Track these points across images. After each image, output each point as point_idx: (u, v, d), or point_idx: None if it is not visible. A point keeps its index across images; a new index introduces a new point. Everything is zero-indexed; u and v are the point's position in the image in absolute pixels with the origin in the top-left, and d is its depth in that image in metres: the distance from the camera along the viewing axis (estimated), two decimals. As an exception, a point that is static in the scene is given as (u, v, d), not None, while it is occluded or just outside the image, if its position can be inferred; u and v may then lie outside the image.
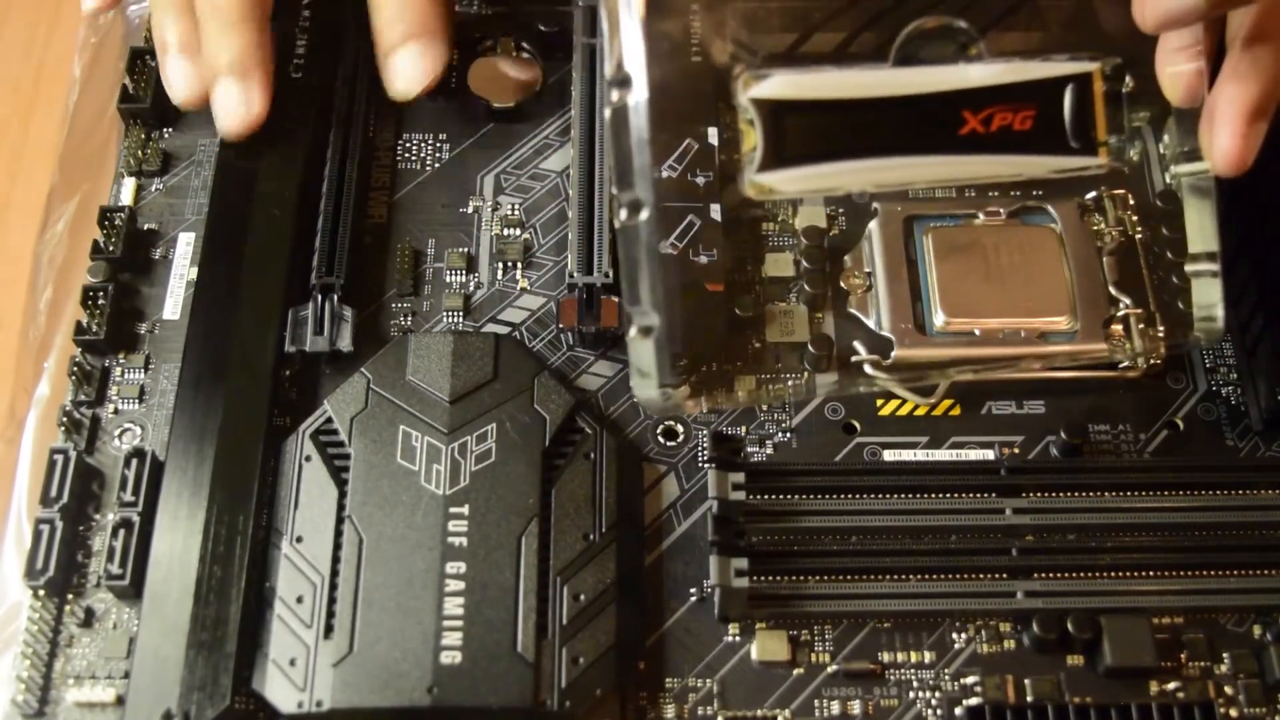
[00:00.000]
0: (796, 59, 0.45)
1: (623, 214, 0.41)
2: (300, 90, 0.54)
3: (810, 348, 0.50)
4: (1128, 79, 0.46)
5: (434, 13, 0.52)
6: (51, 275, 0.53)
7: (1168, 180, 0.52)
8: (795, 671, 0.45)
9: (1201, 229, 0.47)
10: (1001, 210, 0.52)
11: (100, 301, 0.50)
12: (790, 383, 0.50)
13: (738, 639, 0.45)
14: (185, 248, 0.53)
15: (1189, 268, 0.47)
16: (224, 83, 0.50)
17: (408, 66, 0.51)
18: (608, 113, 0.40)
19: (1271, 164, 0.45)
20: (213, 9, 0.50)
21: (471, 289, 0.53)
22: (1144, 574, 0.46)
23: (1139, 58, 0.45)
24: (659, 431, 0.49)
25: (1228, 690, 0.45)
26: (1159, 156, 0.52)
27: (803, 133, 0.43)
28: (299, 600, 0.44)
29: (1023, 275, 0.50)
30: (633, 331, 0.43)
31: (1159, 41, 0.44)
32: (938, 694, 0.45)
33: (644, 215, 0.40)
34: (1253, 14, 0.43)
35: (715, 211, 0.52)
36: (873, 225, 0.52)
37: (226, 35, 0.50)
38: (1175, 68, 0.44)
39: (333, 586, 0.44)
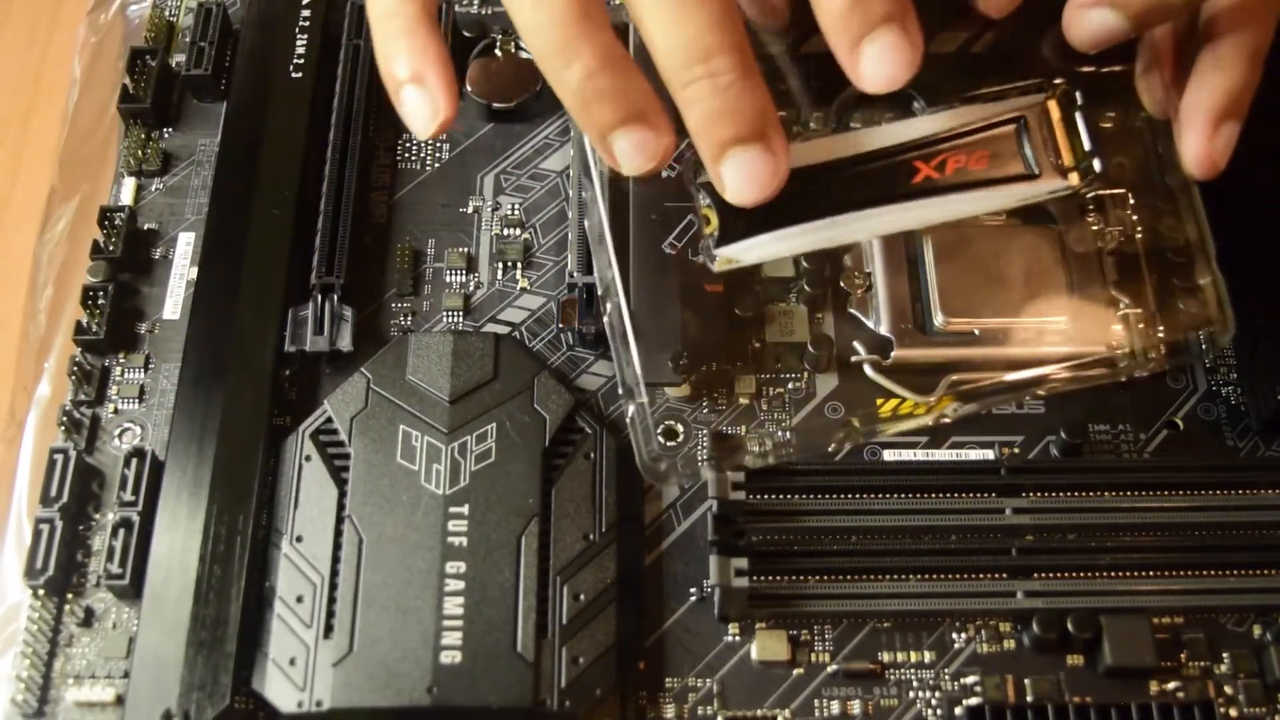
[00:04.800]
0: None
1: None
2: (300, 90, 0.54)
3: (810, 348, 0.50)
4: (1077, 96, 0.46)
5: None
6: (51, 275, 0.54)
7: (1167, 180, 0.52)
8: (795, 671, 0.45)
9: (1197, 230, 0.47)
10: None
11: (100, 301, 0.50)
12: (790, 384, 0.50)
13: (738, 639, 0.45)
14: (185, 247, 0.53)
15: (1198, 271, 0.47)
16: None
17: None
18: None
19: (1268, 160, 0.45)
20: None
21: (471, 289, 0.53)
22: (1144, 574, 0.46)
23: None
24: (659, 431, 0.49)
25: (1228, 690, 0.45)
26: (1158, 156, 0.51)
27: (755, 207, 0.43)
28: (299, 600, 0.44)
29: (1022, 275, 0.50)
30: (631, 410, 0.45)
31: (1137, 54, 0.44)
32: (938, 694, 0.45)
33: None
34: (1204, 16, 0.43)
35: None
36: (873, 226, 0.52)
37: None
38: (1147, 78, 0.44)
39: (332, 586, 0.44)
